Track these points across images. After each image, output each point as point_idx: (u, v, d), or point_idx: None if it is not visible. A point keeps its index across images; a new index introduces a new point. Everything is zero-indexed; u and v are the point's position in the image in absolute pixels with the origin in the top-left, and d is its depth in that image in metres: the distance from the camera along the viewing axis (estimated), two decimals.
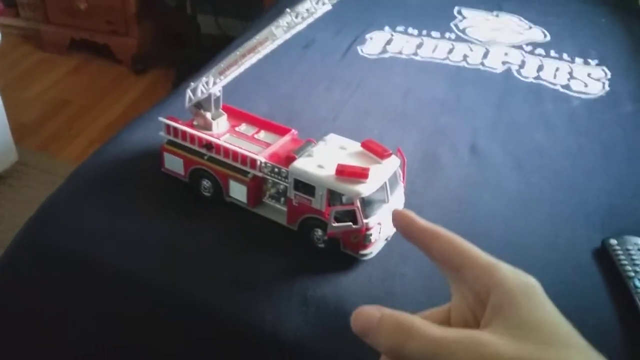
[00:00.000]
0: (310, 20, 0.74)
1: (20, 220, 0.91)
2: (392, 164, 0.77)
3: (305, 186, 0.75)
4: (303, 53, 1.26)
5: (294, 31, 0.75)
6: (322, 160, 0.76)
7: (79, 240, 0.83)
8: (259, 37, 0.76)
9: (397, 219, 0.38)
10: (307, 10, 0.72)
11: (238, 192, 0.83)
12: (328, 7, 0.72)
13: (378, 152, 0.77)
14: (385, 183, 0.75)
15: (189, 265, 0.79)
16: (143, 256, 0.80)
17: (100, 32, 2.44)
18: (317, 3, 0.71)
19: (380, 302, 0.71)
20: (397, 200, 0.78)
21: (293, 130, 0.87)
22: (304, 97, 1.12)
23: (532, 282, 0.33)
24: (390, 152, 0.77)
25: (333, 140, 0.81)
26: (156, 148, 0.94)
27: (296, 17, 0.74)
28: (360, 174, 0.72)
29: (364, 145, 0.78)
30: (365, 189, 0.72)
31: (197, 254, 0.80)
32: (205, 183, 0.85)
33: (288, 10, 0.74)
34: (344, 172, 0.73)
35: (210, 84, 0.83)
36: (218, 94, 0.86)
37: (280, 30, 0.74)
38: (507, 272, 0.34)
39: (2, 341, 0.87)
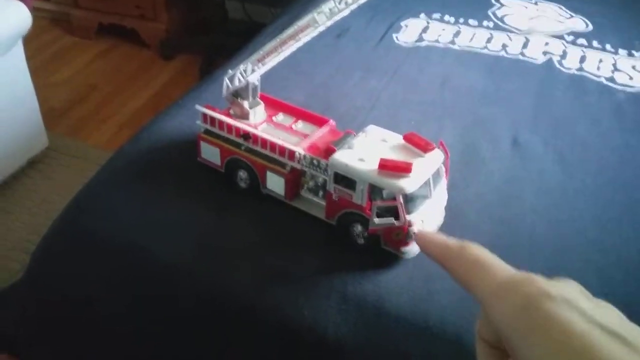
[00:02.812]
0: (354, 6, 0.71)
1: (51, 205, 0.91)
2: (436, 158, 0.74)
3: (345, 180, 0.73)
4: (337, 41, 1.24)
5: (337, 17, 0.73)
6: (363, 153, 0.74)
7: (116, 229, 0.82)
8: (300, 23, 0.74)
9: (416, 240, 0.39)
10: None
11: (275, 184, 0.81)
12: None
13: (421, 145, 0.75)
14: (429, 178, 0.73)
15: (226, 258, 0.77)
16: (179, 247, 0.79)
17: (128, 17, 2.44)
18: None
19: (422, 302, 0.70)
20: (440, 195, 0.76)
21: (331, 121, 0.84)
22: (340, 86, 1.09)
23: (525, 309, 0.29)
24: (434, 145, 0.74)
25: (373, 132, 0.79)
26: (192, 137, 0.93)
27: (339, 3, 0.71)
28: (403, 169, 0.70)
29: (406, 138, 0.76)
30: (408, 184, 0.70)
31: (233, 246, 0.78)
32: (242, 174, 0.83)
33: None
34: (386, 166, 0.70)
35: (249, 72, 0.81)
36: (256, 82, 0.84)
37: (323, 17, 0.72)
38: (501, 306, 0.30)
39: (39, 326, 0.87)
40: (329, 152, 0.76)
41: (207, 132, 0.85)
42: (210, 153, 0.86)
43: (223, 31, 2.51)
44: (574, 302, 0.28)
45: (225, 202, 0.84)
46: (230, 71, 0.83)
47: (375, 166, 0.71)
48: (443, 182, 0.77)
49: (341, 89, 1.09)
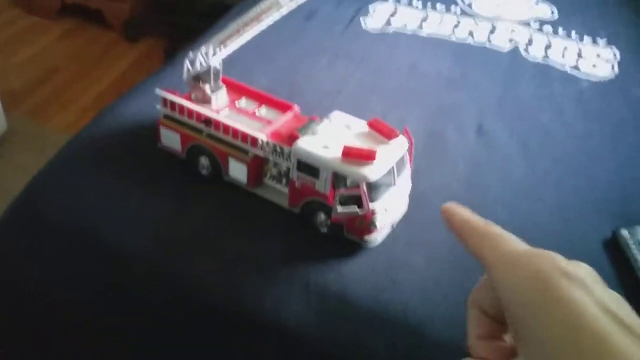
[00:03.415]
0: None
1: (11, 191, 0.88)
2: (400, 145, 0.74)
3: (309, 167, 0.72)
4: (304, 25, 1.22)
5: (300, 1, 0.71)
6: (327, 140, 0.73)
7: (72, 215, 0.79)
8: (262, 5, 0.72)
9: (442, 214, 0.37)
10: None
11: (238, 171, 0.79)
12: None
13: (385, 132, 0.74)
14: (393, 166, 0.72)
15: (186, 246, 0.76)
16: (138, 235, 0.77)
17: None
18: None
19: (384, 291, 0.69)
20: (403, 183, 0.75)
21: (295, 107, 0.83)
22: (306, 71, 1.07)
23: (540, 282, 0.28)
24: (398, 132, 0.74)
25: (338, 119, 0.77)
26: (152, 122, 0.90)
27: None
28: (367, 156, 0.69)
29: (370, 124, 0.75)
30: (372, 172, 0.69)
31: (194, 235, 0.77)
32: (204, 161, 0.81)
33: None
34: (350, 153, 0.69)
35: (210, 55, 0.79)
36: (218, 66, 0.81)
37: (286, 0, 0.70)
38: (514, 277, 0.29)
39: None
40: (292, 138, 0.75)
41: (167, 117, 0.83)
42: (170, 139, 0.83)
43: (190, 12, 2.45)
44: (590, 286, 0.28)
45: (185, 189, 0.82)
46: (191, 54, 0.81)
47: (339, 153, 0.70)
48: (407, 170, 0.76)
49: (308, 73, 1.07)
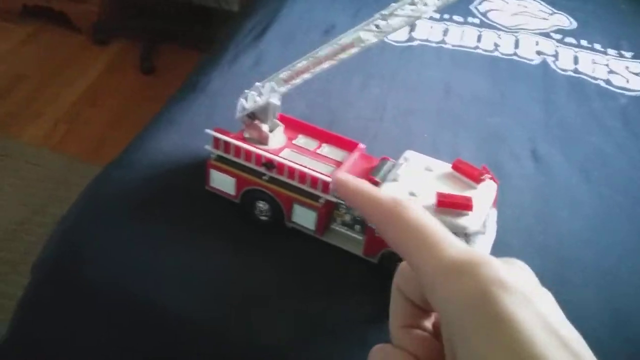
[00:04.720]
0: (405, 26, 0.63)
1: None
2: (489, 189, 0.68)
3: None
4: (325, 40, 1.13)
5: (384, 37, 0.64)
6: (411, 186, 0.67)
7: (111, 276, 0.70)
8: (342, 41, 0.64)
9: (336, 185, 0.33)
10: (406, 13, 0.61)
11: (304, 217, 0.72)
12: (431, 9, 0.61)
13: (472, 175, 0.68)
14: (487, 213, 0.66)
15: (251, 308, 0.67)
16: (190, 294, 0.68)
17: None
18: (421, 4, 0.60)
19: None
20: (491, 229, 0.70)
21: (361, 145, 0.76)
22: (341, 93, 1.00)
23: (478, 299, 0.24)
24: (487, 175, 0.68)
25: (415, 160, 0.71)
26: (190, 159, 0.82)
27: (389, 20, 0.62)
28: (464, 205, 0.63)
29: (455, 167, 0.69)
30: (470, 222, 0.63)
31: (257, 291, 0.69)
32: (262, 206, 0.74)
33: (382, 13, 0.62)
34: (445, 202, 0.63)
35: (269, 91, 0.71)
36: (277, 102, 0.74)
37: (370, 35, 0.63)
38: (449, 290, 0.25)
39: None
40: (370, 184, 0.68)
41: (219, 158, 0.74)
42: (222, 182, 0.75)
43: (160, 13, 2.32)
44: (533, 300, 0.24)
45: (242, 237, 0.74)
46: (246, 91, 0.73)
47: (430, 202, 0.64)
48: (494, 214, 0.71)
49: (343, 96, 1.00)
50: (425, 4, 0.61)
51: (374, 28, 0.63)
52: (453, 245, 0.27)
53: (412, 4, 0.60)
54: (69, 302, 0.72)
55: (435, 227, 0.28)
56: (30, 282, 0.73)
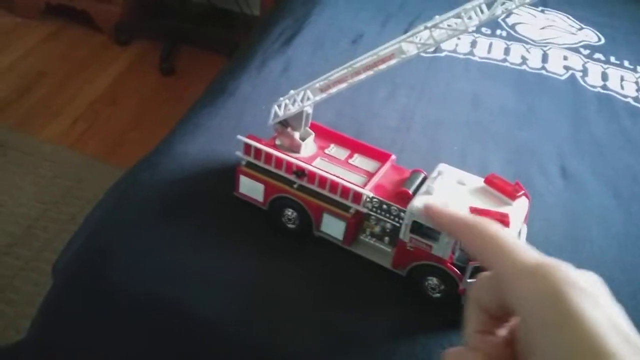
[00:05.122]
0: (448, 40, 0.62)
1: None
2: (523, 205, 0.67)
3: (426, 230, 0.65)
4: (353, 49, 1.14)
5: (425, 50, 0.63)
6: (445, 199, 0.66)
7: (142, 281, 0.69)
8: (381, 52, 0.64)
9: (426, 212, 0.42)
10: (450, 26, 0.60)
11: (332, 227, 0.71)
12: (475, 23, 0.60)
13: (506, 190, 0.67)
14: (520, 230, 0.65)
15: (279, 315, 0.67)
16: (217, 299, 0.68)
17: None
18: (466, 17, 0.59)
19: None
20: None
21: (392, 156, 0.75)
22: (367, 103, 1.00)
23: (551, 297, 0.28)
24: (522, 191, 0.67)
25: (448, 173, 0.70)
26: (218, 164, 0.82)
27: (433, 32, 0.62)
28: (500, 222, 0.62)
29: (488, 181, 0.68)
30: None
31: (283, 298, 0.68)
32: (290, 214, 0.73)
33: (426, 25, 0.62)
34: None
35: (304, 99, 0.70)
36: (310, 110, 0.73)
37: (412, 47, 0.62)
38: (525, 289, 0.29)
39: None
40: (401, 195, 0.67)
41: (249, 165, 0.74)
42: (251, 188, 0.75)
43: (182, 15, 2.33)
44: (603, 303, 0.28)
45: (269, 245, 0.73)
46: (280, 99, 0.72)
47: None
48: (524, 231, 0.70)
49: (369, 106, 0.99)
50: (470, 18, 0.60)
51: (416, 40, 0.62)
52: (528, 252, 0.31)
53: (457, 17, 0.59)
54: (93, 306, 0.71)
55: (511, 238, 0.33)
56: (54, 284, 0.73)
